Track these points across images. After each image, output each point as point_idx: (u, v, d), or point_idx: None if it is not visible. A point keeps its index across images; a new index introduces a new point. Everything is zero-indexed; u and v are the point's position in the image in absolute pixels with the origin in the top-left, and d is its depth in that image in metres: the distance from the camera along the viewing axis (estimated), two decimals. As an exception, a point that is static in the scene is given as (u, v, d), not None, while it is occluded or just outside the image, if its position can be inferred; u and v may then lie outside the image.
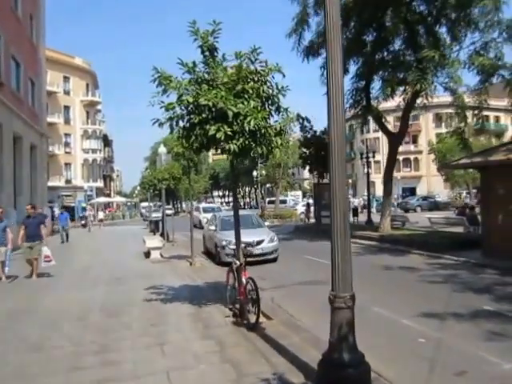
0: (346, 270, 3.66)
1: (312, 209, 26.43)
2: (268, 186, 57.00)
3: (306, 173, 76.56)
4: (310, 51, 19.58)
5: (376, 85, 18.46)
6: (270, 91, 6.36)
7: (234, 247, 9.45)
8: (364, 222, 23.49)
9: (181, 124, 6.35)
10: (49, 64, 48.39)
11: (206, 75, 6.29)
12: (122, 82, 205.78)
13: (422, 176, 58.63)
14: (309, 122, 22.32)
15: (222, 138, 5.75)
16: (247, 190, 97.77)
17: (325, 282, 9.66)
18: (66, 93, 51.79)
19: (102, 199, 50.52)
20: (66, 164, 51.35)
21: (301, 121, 22.26)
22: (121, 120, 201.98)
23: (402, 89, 17.00)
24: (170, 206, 54.32)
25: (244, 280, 6.29)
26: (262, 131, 5.96)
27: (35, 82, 24.16)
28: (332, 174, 3.68)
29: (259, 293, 5.86)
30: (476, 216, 17.10)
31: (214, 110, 5.89)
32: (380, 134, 69.28)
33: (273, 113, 6.50)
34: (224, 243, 11.32)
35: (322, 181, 23.26)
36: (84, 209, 46.78)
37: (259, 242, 12.47)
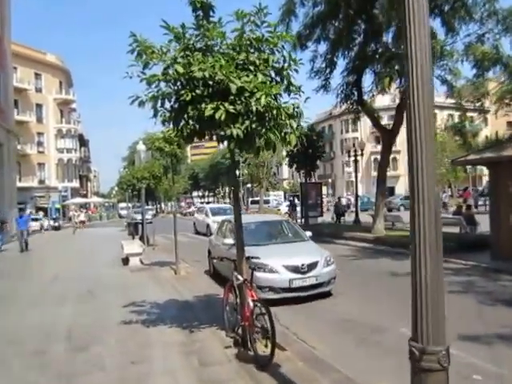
0: (439, 309, 2.31)
1: (298, 209, 25.22)
2: (249, 185, 55.71)
3: (285, 173, 75.83)
4: (298, 42, 18.33)
5: (368, 78, 17.40)
6: (280, 64, 5.01)
7: (275, 276, 7.33)
8: (351, 222, 22.47)
9: (167, 105, 4.93)
10: (19, 60, 45.78)
11: (199, 44, 4.88)
12: (97, 80, 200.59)
13: (400, 175, 58.28)
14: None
15: (223, 117, 4.35)
16: (227, 190, 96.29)
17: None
18: (38, 90, 48.99)
19: (78, 200, 48.14)
20: (39, 164, 48.67)
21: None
22: (98, 121, 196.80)
23: (397, 81, 15.85)
24: (151, 207, 51.57)
25: (251, 302, 4.90)
26: (274, 112, 4.60)
27: (0, 74, 22.10)
28: (415, 160, 2.32)
29: (274, 321, 4.46)
30: (473, 216, 16.19)
31: (211, 83, 4.50)
32: (358, 134, 68.97)
33: (282, 92, 5.14)
34: (257, 269, 6.44)
35: (309, 180, 22.09)
36: (58, 210, 44.40)
37: (311, 267, 7.75)
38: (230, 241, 8.68)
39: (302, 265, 7.69)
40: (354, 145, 24.58)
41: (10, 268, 14.21)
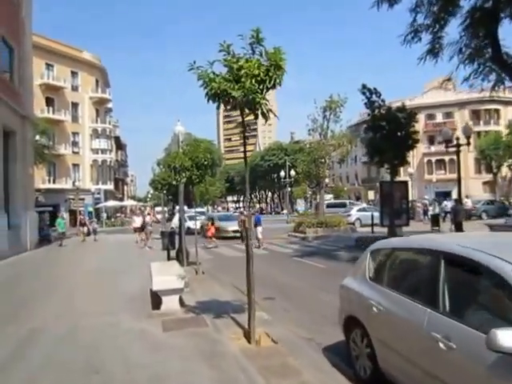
0: None
1: (375, 215, 19.41)
2: (289, 189, 49.91)
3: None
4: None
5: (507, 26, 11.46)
6: None
7: None
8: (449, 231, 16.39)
9: None
10: (55, 57, 42.53)
11: None
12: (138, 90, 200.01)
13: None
14: (379, 95, 15.23)
15: None
16: (263, 194, 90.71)
17: None
18: (74, 89, 45.24)
19: (111, 203, 43.72)
20: (73, 165, 44.78)
21: (368, 94, 15.20)
22: (138, 130, 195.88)
23: None
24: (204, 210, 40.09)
25: None
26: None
27: (14, 48, 17.42)
28: None
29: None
30: None
31: None
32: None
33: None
34: None
35: (395, 178, 16.27)
36: (90, 213, 39.96)
37: None
38: None
39: None
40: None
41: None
